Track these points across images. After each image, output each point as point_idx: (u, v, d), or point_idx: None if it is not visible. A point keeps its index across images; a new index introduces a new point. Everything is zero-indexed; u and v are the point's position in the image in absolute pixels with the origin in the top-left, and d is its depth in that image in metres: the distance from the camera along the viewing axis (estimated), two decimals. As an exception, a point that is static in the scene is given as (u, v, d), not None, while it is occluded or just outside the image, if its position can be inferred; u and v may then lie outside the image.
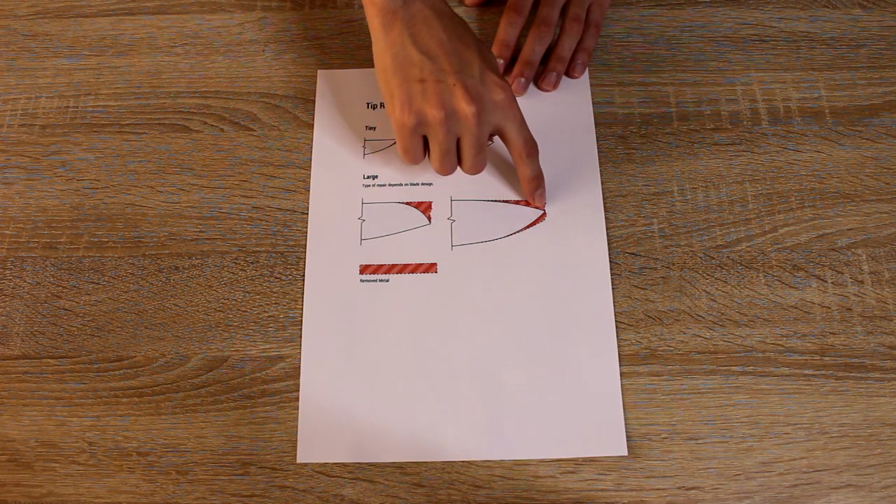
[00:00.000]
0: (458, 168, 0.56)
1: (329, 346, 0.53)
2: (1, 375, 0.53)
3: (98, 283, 0.55)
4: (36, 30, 0.64)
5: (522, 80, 0.60)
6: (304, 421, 0.51)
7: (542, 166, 0.55)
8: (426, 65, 0.51)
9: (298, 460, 0.50)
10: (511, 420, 0.51)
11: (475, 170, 0.55)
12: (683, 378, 0.52)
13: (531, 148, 0.53)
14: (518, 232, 0.56)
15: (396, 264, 0.55)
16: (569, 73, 0.61)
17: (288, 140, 0.59)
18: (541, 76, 0.61)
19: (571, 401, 0.51)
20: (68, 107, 0.61)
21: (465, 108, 0.50)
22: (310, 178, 0.58)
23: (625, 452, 0.50)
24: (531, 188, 0.55)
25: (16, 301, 0.55)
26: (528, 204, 0.57)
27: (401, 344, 0.53)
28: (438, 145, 0.53)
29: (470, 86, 0.50)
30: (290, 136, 0.60)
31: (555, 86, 0.60)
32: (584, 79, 0.61)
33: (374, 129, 0.60)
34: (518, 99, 0.60)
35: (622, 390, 0.51)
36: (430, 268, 0.55)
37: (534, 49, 0.60)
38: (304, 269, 0.55)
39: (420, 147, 0.54)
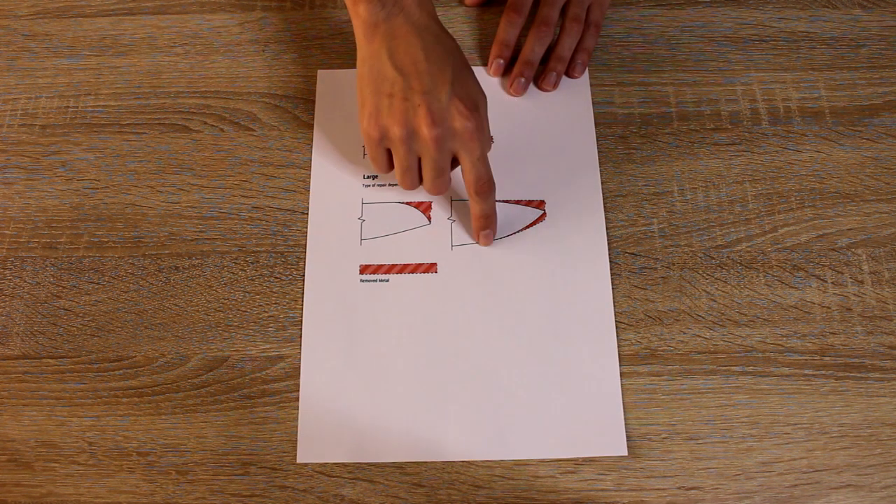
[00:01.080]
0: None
1: (329, 346, 0.53)
2: (1, 375, 0.53)
3: (98, 283, 0.55)
4: (36, 30, 0.64)
5: (522, 79, 0.60)
6: (304, 421, 0.51)
7: (542, 166, 0.55)
8: (397, 81, 0.50)
9: (298, 460, 0.50)
10: (511, 420, 0.51)
11: (436, 191, 0.53)
12: (683, 378, 0.52)
13: (482, 185, 0.52)
14: (518, 232, 0.56)
15: (396, 264, 0.55)
16: (569, 73, 0.61)
17: (288, 140, 0.59)
18: (541, 76, 0.61)
19: (571, 401, 0.51)
20: (68, 107, 0.61)
21: (426, 130, 0.49)
22: (310, 178, 0.58)
23: (625, 452, 0.50)
24: (478, 226, 0.54)
25: (16, 301, 0.55)
26: (528, 204, 0.57)
27: (401, 344, 0.53)
28: (399, 162, 0.52)
29: (434, 109, 0.49)
30: (290, 136, 0.60)
31: (555, 86, 0.60)
32: (584, 79, 0.61)
33: (374, 129, 0.60)
34: (518, 99, 0.60)
35: (622, 390, 0.51)
36: (430, 268, 0.55)
37: (534, 49, 0.60)
38: (304, 269, 0.55)
39: (385, 159, 0.53)
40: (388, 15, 0.50)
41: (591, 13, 0.61)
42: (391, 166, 0.54)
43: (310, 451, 0.50)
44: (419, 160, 0.52)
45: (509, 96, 0.60)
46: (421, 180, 0.54)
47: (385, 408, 0.51)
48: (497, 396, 0.51)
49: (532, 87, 0.61)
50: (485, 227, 0.54)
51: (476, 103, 0.50)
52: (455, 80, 0.50)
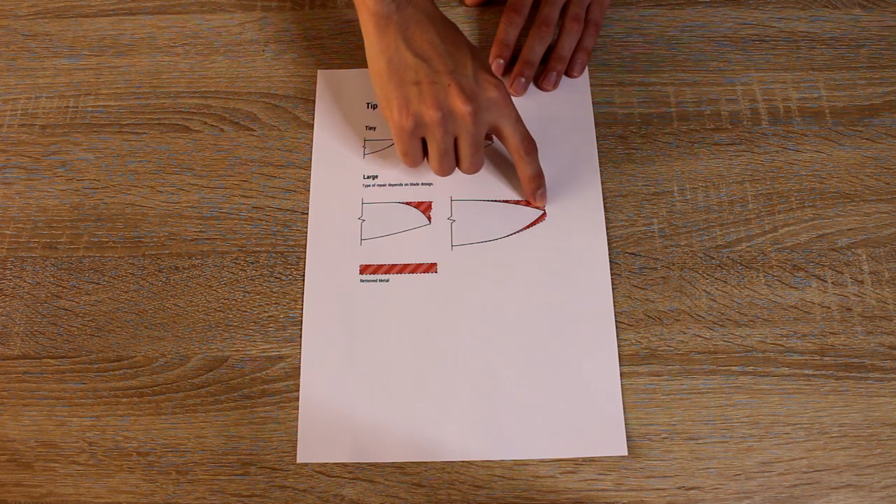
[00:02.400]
0: (457, 168, 0.56)
1: (329, 346, 0.53)
2: (1, 375, 0.53)
3: (98, 283, 0.55)
4: (36, 30, 0.64)
5: (522, 79, 0.60)
6: (304, 421, 0.51)
7: (542, 166, 0.55)
8: (421, 67, 0.51)
9: (298, 460, 0.50)
10: (511, 420, 0.51)
11: (473, 169, 0.55)
12: (683, 378, 0.52)
13: (528, 145, 0.53)
14: (518, 232, 0.56)
15: (396, 264, 0.55)
16: (568, 72, 0.61)
17: (288, 140, 0.59)
18: (541, 76, 0.61)
19: (571, 401, 0.51)
20: (68, 107, 0.61)
21: (462, 107, 0.50)
22: (310, 178, 0.58)
23: (625, 452, 0.50)
24: (532, 188, 0.55)
25: (16, 301, 0.55)
26: (528, 204, 0.57)
27: (401, 344, 0.53)
28: (437, 146, 0.53)
29: (465, 85, 0.51)
30: (290, 136, 0.60)
31: (555, 85, 0.60)
32: (584, 79, 0.61)
33: (374, 129, 0.60)
34: (518, 99, 0.60)
35: (622, 390, 0.51)
36: (430, 268, 0.55)
37: (534, 49, 0.60)
38: (304, 269, 0.55)
39: (419, 149, 0.54)
40: (398, 6, 0.51)
41: (590, 12, 0.61)
42: (423, 156, 0.55)
43: (310, 451, 0.50)
44: (454, 143, 0.53)
45: (509, 96, 0.61)
46: (457, 163, 0.55)
47: (385, 408, 0.51)
48: (497, 396, 0.51)
49: (532, 87, 0.61)
50: (538, 187, 0.55)
51: (494, 73, 0.53)
52: (474, 56, 0.52)
